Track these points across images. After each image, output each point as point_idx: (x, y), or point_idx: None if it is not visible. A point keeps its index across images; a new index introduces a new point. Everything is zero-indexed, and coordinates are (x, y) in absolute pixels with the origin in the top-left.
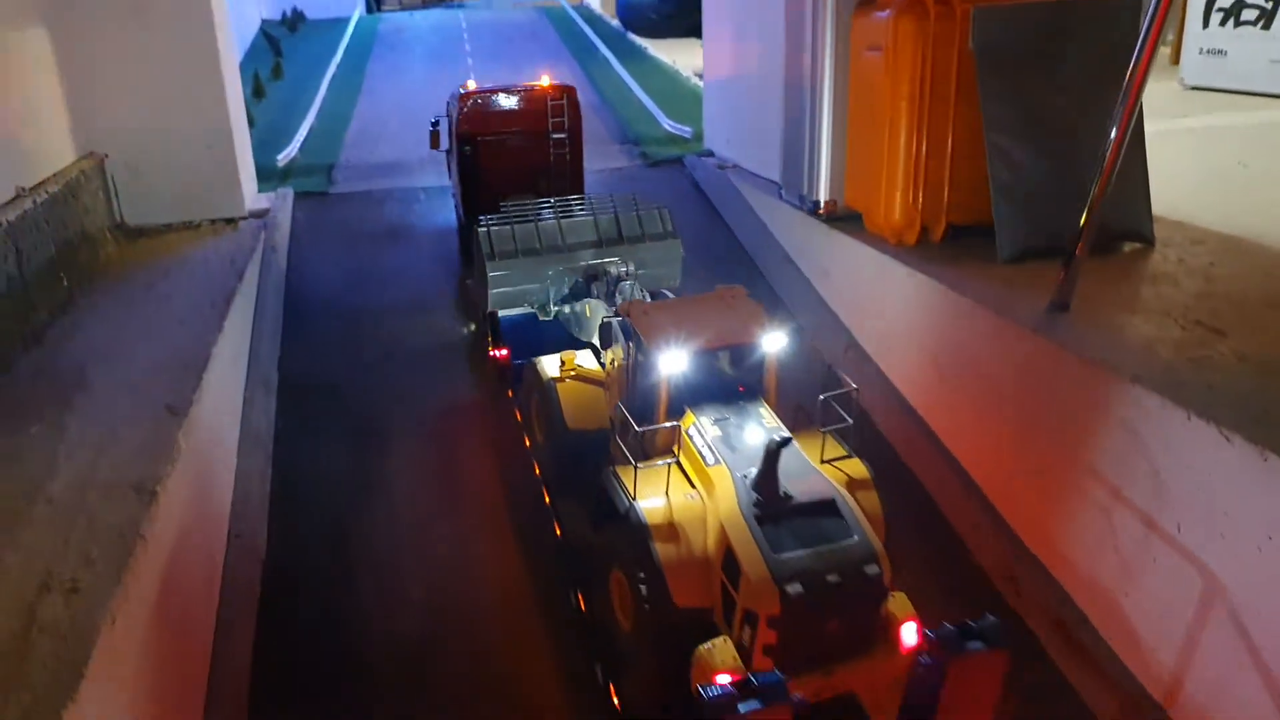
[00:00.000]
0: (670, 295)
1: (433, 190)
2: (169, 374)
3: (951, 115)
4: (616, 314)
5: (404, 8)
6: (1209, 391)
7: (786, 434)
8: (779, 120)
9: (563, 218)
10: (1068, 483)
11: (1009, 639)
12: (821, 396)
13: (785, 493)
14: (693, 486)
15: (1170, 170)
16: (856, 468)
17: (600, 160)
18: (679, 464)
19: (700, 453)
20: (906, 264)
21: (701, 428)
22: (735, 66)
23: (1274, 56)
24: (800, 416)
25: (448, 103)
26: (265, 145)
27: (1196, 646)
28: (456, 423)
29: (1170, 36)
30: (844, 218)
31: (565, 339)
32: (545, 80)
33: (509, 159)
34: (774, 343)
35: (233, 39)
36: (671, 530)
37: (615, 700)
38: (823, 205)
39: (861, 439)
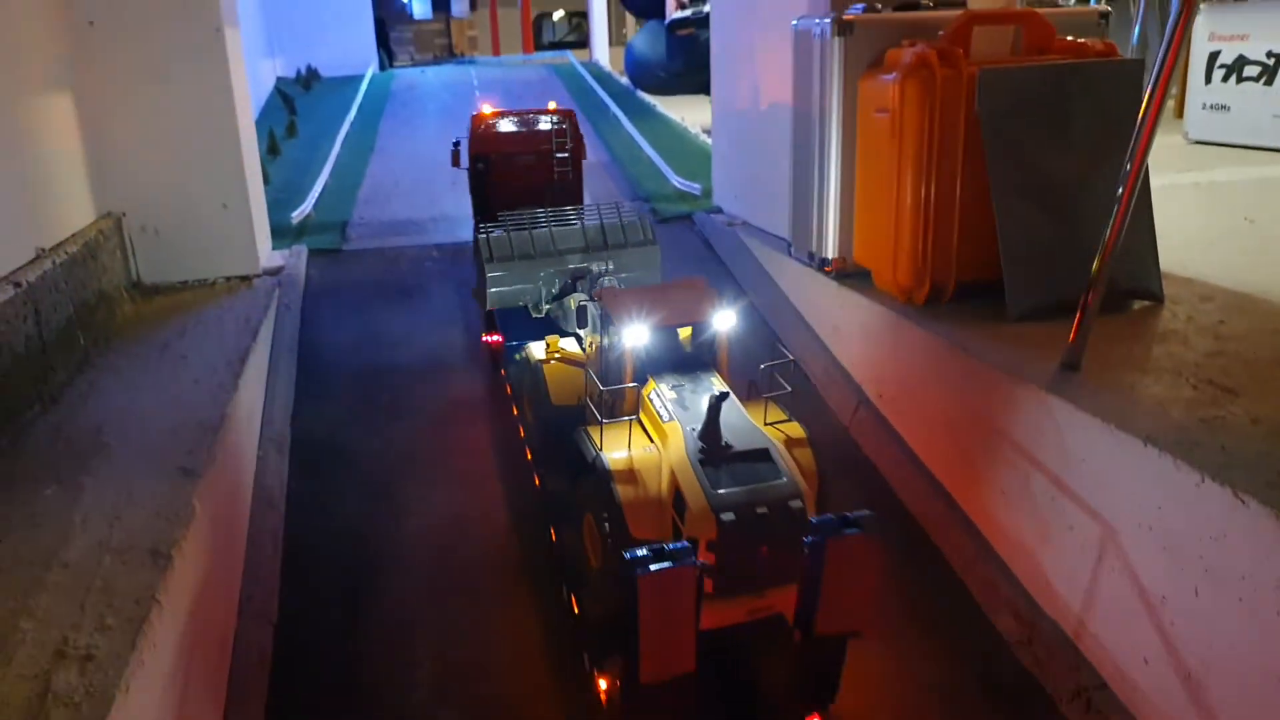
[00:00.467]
0: None
1: (445, 248)
2: (185, 435)
3: (959, 175)
4: (592, 299)
5: (415, 63)
6: (1223, 453)
7: (725, 390)
8: (787, 178)
9: (555, 226)
10: (1083, 544)
11: (881, 529)
12: (762, 366)
13: (726, 443)
14: (651, 441)
15: (1176, 226)
16: (795, 429)
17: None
18: (640, 422)
19: (658, 412)
20: (916, 322)
21: (660, 393)
22: (743, 124)
23: (1277, 111)
24: (752, 389)
25: (467, 126)
26: (280, 203)
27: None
28: (469, 485)
29: (1174, 91)
30: (853, 275)
31: (554, 330)
32: (552, 105)
33: (517, 175)
34: (724, 321)
35: (249, 99)
36: (631, 475)
37: (575, 609)
38: (831, 263)
39: (871, 492)
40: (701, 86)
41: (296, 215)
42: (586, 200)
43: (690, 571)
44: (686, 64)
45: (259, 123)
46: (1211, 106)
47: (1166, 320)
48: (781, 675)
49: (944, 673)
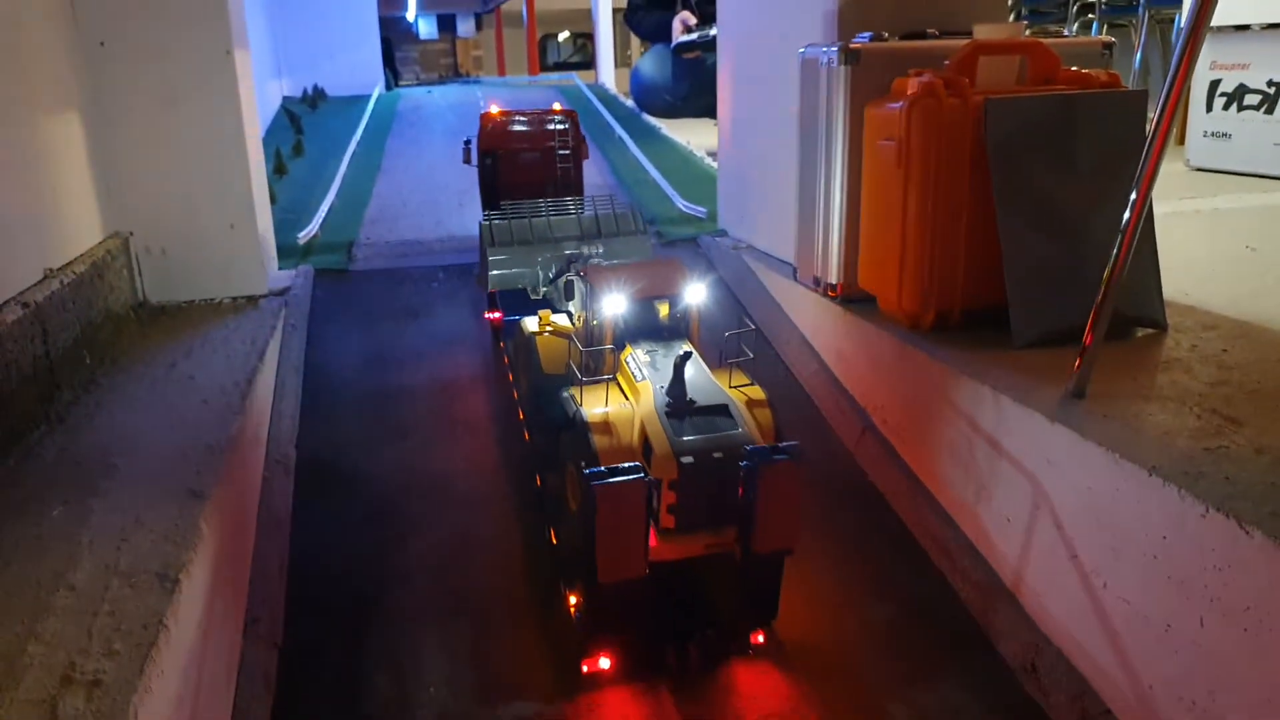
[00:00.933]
0: None
1: (452, 269)
2: (192, 456)
3: (965, 203)
4: (578, 274)
5: (421, 83)
6: (1227, 483)
7: (690, 350)
8: (792, 202)
9: (552, 215)
10: (1087, 573)
11: (805, 458)
12: (726, 334)
13: (690, 399)
14: (626, 399)
15: (1179, 253)
16: (756, 392)
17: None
18: (618, 383)
19: (633, 373)
20: (921, 348)
21: (636, 356)
22: (749, 148)
23: (1278, 140)
24: (722, 356)
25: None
26: (286, 223)
27: None
28: (476, 506)
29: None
30: (858, 300)
31: (549, 309)
32: (557, 106)
33: (522, 171)
34: (695, 294)
35: (258, 120)
36: (606, 427)
37: (553, 540)
38: (836, 288)
39: (875, 515)
40: (707, 110)
41: (303, 235)
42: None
43: (638, 484)
44: (692, 88)
45: (266, 142)
46: (1213, 134)
47: (1170, 349)
48: (727, 594)
49: (952, 700)
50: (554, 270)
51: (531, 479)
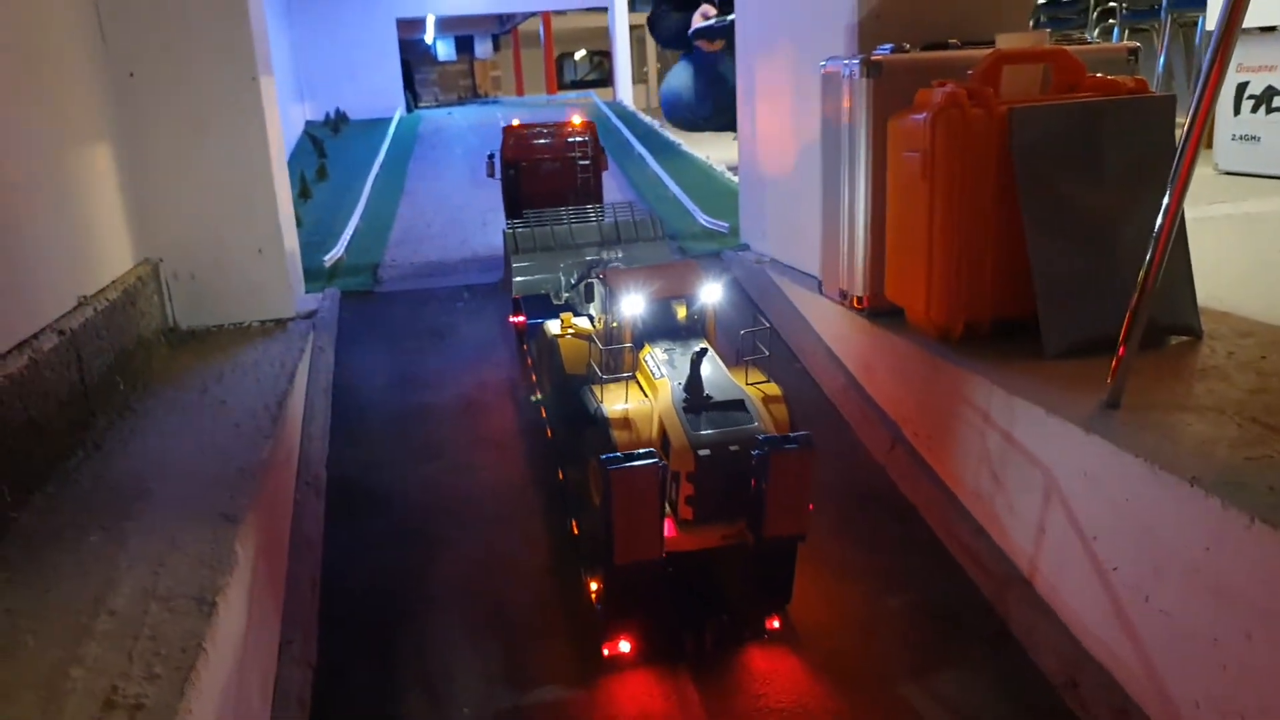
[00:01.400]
0: None
1: (477, 288)
2: (226, 480)
3: (992, 213)
4: (598, 277)
5: (440, 104)
6: (1271, 493)
7: (706, 347)
8: (816, 215)
9: (574, 223)
10: (1127, 586)
11: (814, 446)
12: (742, 332)
13: (707, 395)
14: (645, 396)
15: (1211, 258)
16: (772, 389)
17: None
18: (637, 381)
19: (651, 371)
20: (951, 360)
21: (654, 355)
22: (770, 162)
23: None
24: (739, 355)
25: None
26: (312, 246)
27: None
28: (505, 525)
29: None
30: (885, 313)
31: (571, 312)
32: (576, 119)
33: (544, 181)
34: (711, 294)
35: (283, 145)
36: (626, 422)
37: (575, 531)
38: (863, 300)
39: (906, 527)
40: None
41: (329, 258)
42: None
43: (653, 467)
44: (714, 108)
45: (290, 166)
46: (1241, 138)
47: (1206, 356)
48: (741, 579)
49: (988, 716)
50: (576, 275)
51: (554, 473)
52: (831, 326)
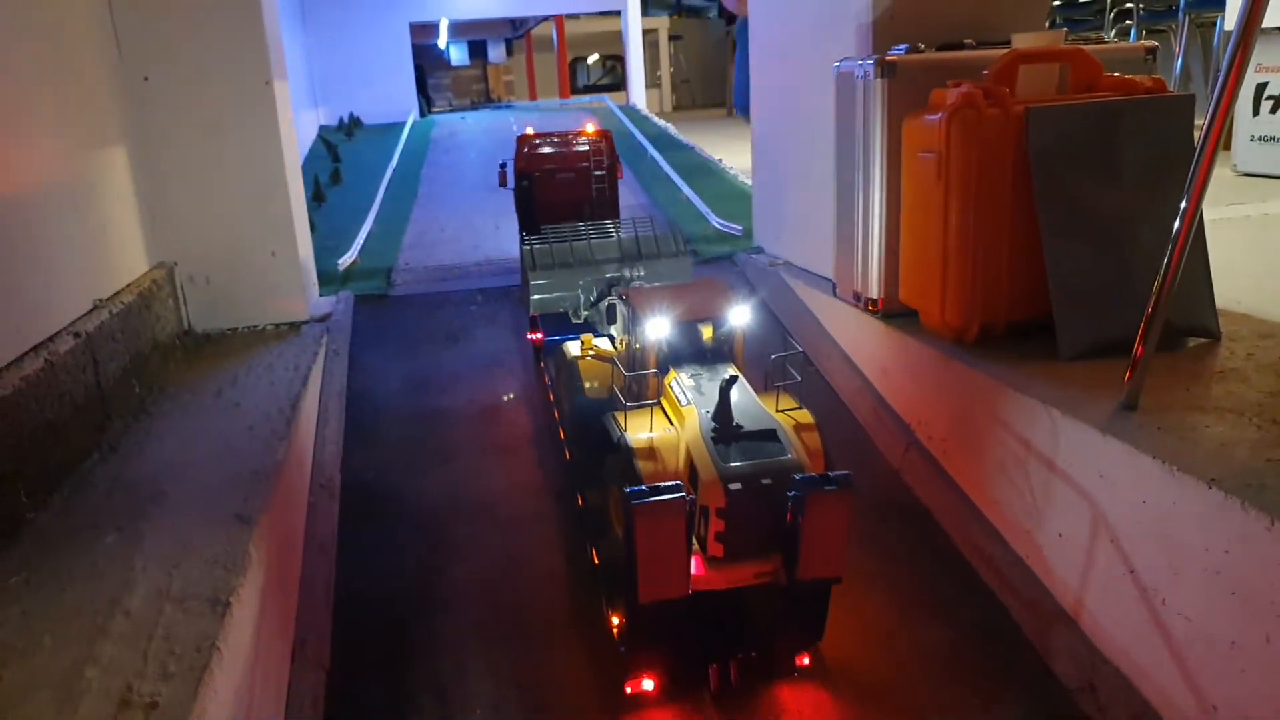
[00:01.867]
0: None
1: (490, 292)
2: (240, 482)
3: (1008, 214)
4: (620, 297)
5: (454, 109)
6: None
7: (736, 374)
8: (830, 218)
9: (593, 238)
10: (1145, 589)
11: (853, 486)
12: (773, 357)
13: (737, 423)
14: (670, 424)
15: (1229, 259)
16: (804, 416)
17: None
18: (662, 407)
19: (677, 397)
20: (966, 362)
21: (680, 381)
22: (784, 164)
23: None
24: (767, 380)
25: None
26: (326, 249)
27: None
28: (519, 528)
29: None
30: (900, 315)
31: (590, 331)
32: (590, 128)
33: (559, 191)
34: (739, 316)
35: (297, 149)
36: (651, 452)
37: (595, 560)
38: (877, 303)
39: (921, 530)
40: None
41: (343, 262)
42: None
43: (679, 502)
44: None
45: (304, 170)
46: (1260, 138)
47: (1225, 358)
48: (773, 619)
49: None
50: (595, 293)
51: (573, 497)
52: (846, 329)
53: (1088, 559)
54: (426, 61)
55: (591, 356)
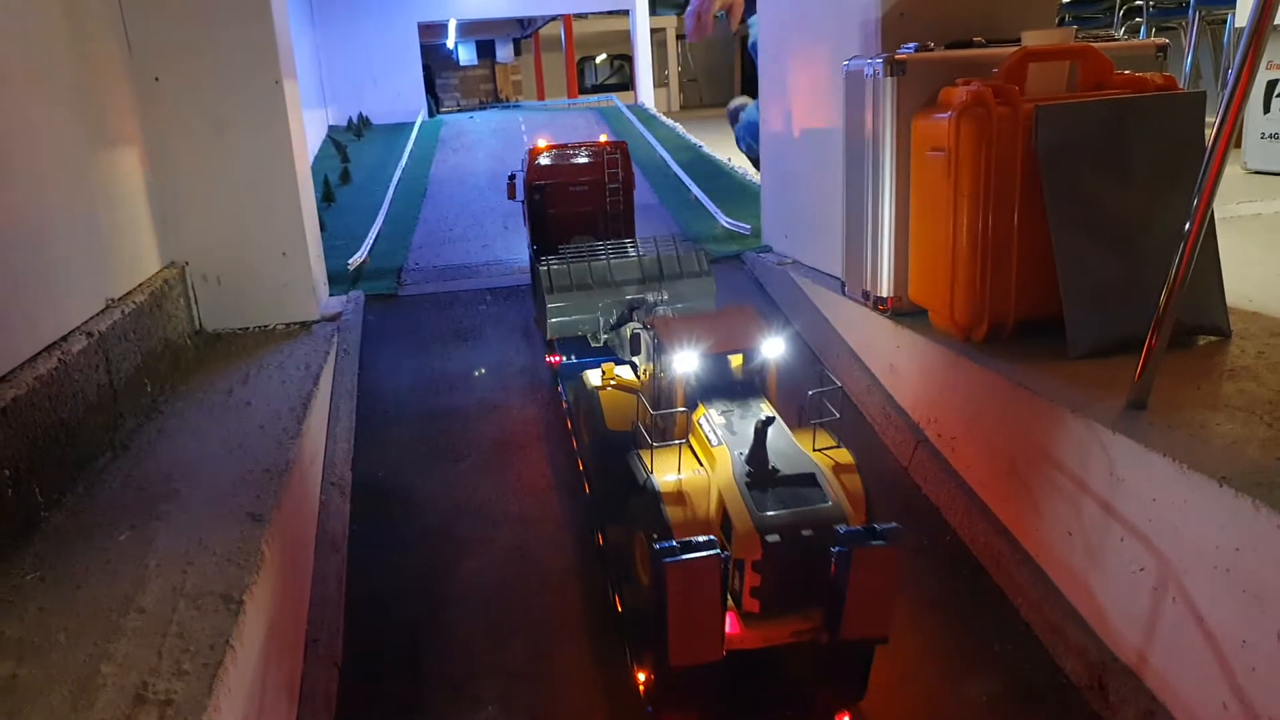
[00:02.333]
0: None
1: (499, 291)
2: (252, 480)
3: (1017, 212)
4: (645, 326)
5: (462, 109)
6: None
7: (772, 414)
8: (839, 217)
9: (613, 258)
10: (1154, 587)
11: (904, 540)
12: (810, 392)
13: (773, 467)
14: (700, 465)
15: (1240, 258)
16: (844, 455)
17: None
18: (690, 446)
19: (707, 436)
20: (975, 360)
21: (710, 418)
22: (793, 163)
23: None
24: (802, 416)
25: (522, 160)
26: (336, 249)
27: None
28: (529, 526)
29: None
30: (909, 313)
31: (610, 358)
32: (603, 138)
33: (571, 204)
34: (773, 349)
35: (307, 149)
36: (680, 497)
37: (619, 607)
38: (887, 301)
39: (931, 531)
40: None
41: (353, 261)
42: (637, 232)
43: (714, 560)
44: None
45: (313, 170)
46: (1270, 136)
47: (1235, 356)
48: (810, 673)
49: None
50: (615, 316)
51: (593, 536)
52: (855, 328)
53: (1095, 555)
54: (435, 61)
55: (613, 387)
